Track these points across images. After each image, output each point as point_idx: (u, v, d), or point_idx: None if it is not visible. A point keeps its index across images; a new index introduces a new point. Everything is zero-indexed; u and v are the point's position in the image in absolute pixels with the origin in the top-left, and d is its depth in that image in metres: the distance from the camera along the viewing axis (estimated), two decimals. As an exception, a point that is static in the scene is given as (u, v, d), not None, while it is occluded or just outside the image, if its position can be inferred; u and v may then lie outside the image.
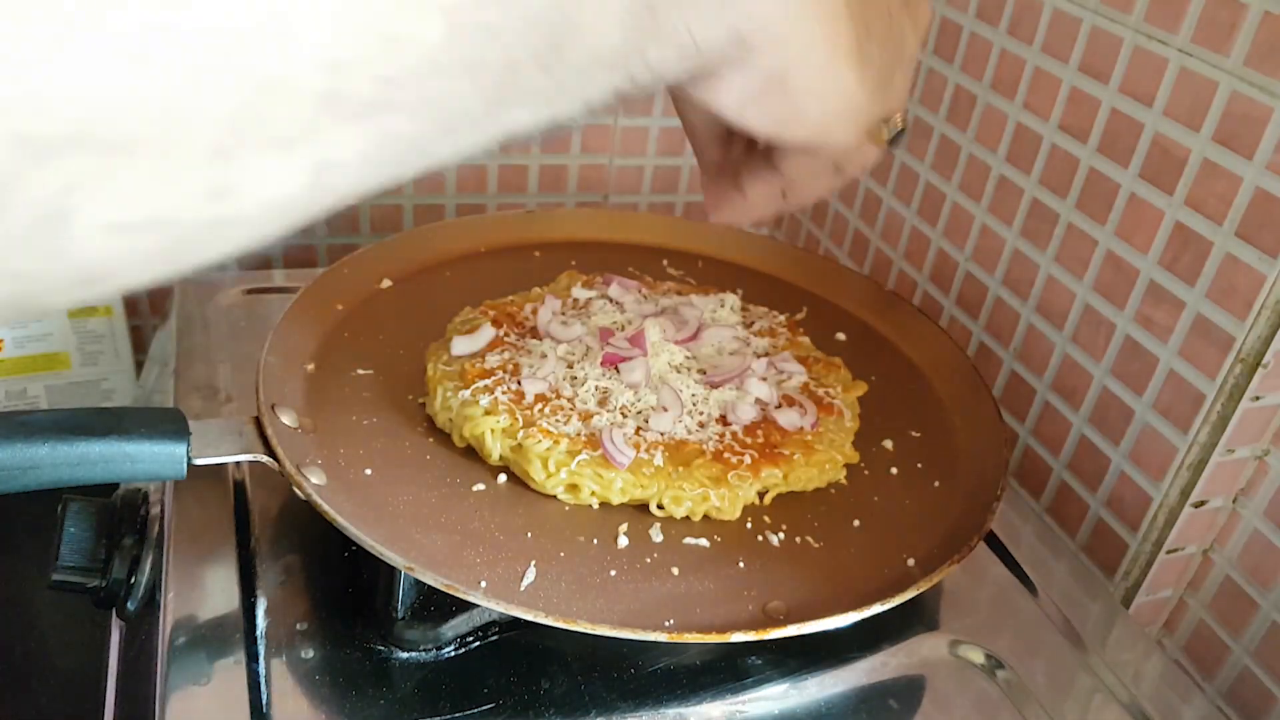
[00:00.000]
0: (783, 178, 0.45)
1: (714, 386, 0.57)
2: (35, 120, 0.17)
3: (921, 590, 0.46)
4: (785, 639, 0.44)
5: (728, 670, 0.48)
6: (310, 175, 0.22)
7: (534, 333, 0.60)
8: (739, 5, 0.31)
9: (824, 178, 0.45)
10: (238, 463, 0.48)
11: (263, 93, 0.19)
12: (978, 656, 0.51)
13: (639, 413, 0.54)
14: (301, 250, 0.85)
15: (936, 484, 0.56)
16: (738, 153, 0.46)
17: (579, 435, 0.52)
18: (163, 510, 0.53)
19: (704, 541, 0.50)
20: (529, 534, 0.49)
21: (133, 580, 0.51)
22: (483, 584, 0.45)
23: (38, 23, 0.16)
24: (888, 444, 0.59)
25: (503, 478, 0.52)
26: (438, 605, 0.47)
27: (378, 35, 0.21)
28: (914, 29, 0.41)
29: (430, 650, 0.47)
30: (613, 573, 0.48)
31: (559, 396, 0.54)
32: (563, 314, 0.61)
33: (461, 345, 0.57)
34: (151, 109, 0.18)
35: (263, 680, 0.45)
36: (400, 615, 0.47)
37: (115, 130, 0.18)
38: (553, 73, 0.26)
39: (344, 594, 0.49)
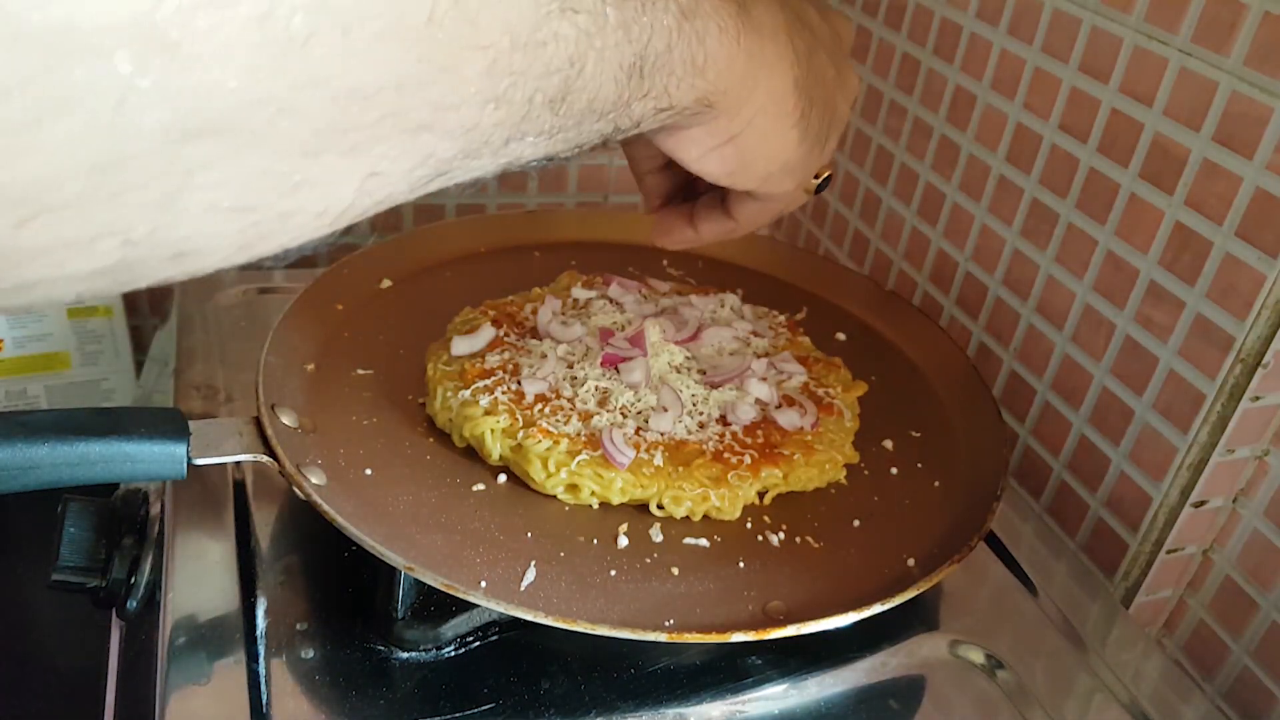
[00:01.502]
0: (734, 221, 0.52)
1: (714, 387, 0.57)
2: (184, 112, 0.20)
3: (921, 590, 0.46)
4: (785, 639, 0.44)
5: (728, 670, 0.48)
6: (360, 181, 0.25)
7: (534, 333, 0.60)
8: (708, 75, 0.37)
9: (765, 218, 0.52)
10: (238, 463, 0.48)
11: (349, 101, 0.23)
12: (978, 656, 0.51)
13: (639, 413, 0.54)
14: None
15: (936, 484, 0.56)
16: (683, 193, 0.54)
17: (579, 435, 0.52)
18: (163, 510, 0.53)
19: (704, 541, 0.50)
20: (529, 534, 0.49)
21: (133, 580, 0.51)
22: (483, 584, 0.45)
23: (206, 24, 0.19)
24: (888, 444, 0.59)
25: (503, 478, 0.52)
26: (438, 605, 0.47)
27: (435, 64, 0.24)
28: (845, 98, 0.48)
29: (430, 650, 0.47)
30: (613, 573, 0.48)
31: (559, 396, 0.54)
32: (563, 314, 0.61)
33: (461, 345, 0.57)
34: (269, 110, 0.21)
35: (263, 680, 0.45)
36: (400, 615, 0.47)
37: (238, 124, 0.21)
38: (558, 115, 0.30)
39: (344, 594, 0.49)
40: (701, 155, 0.42)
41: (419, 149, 0.26)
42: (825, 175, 0.50)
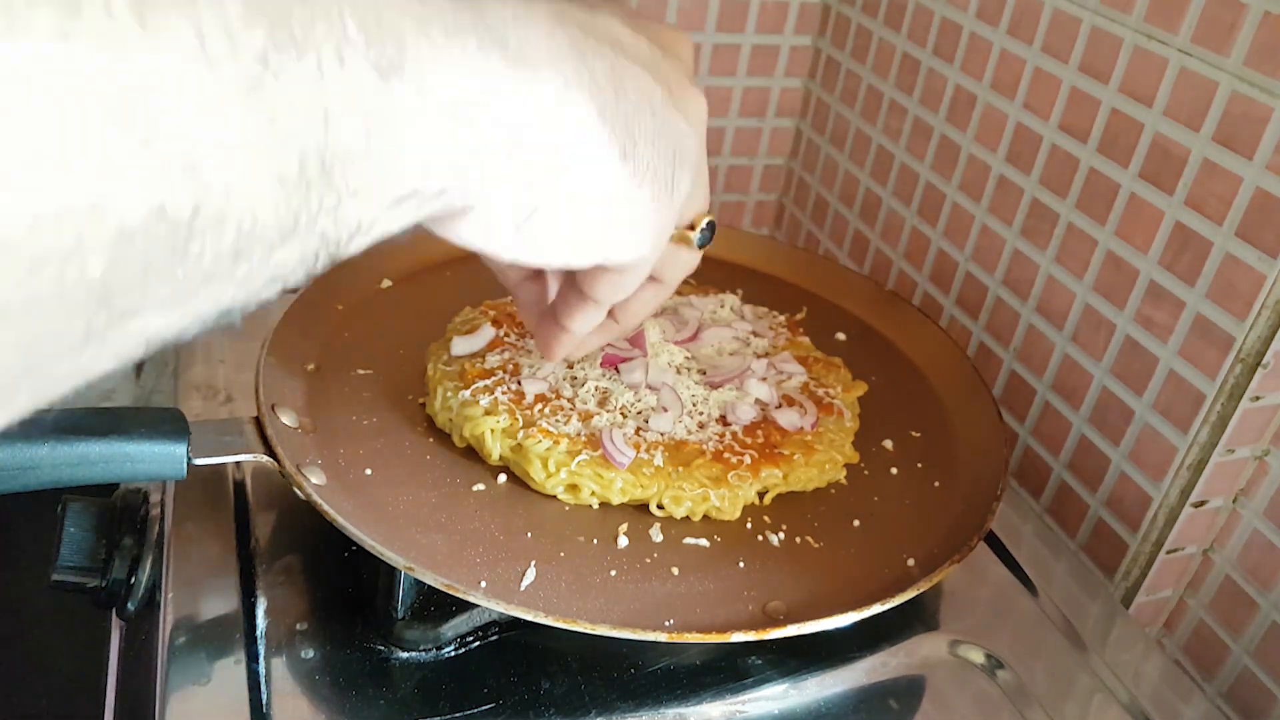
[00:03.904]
0: (599, 304, 0.42)
1: (714, 387, 0.57)
2: None
3: (921, 590, 0.46)
4: (785, 639, 0.44)
5: (728, 670, 0.48)
6: None
7: (534, 333, 0.60)
8: (448, 156, 0.28)
9: (645, 293, 0.42)
10: (238, 463, 0.48)
11: None
12: (978, 656, 0.51)
13: (639, 413, 0.54)
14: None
15: (936, 484, 0.56)
16: (552, 287, 0.45)
17: (579, 435, 0.52)
18: (163, 510, 0.53)
19: (704, 541, 0.50)
20: (529, 534, 0.49)
21: (133, 580, 0.51)
22: (483, 584, 0.45)
23: None
24: (888, 444, 0.59)
25: (503, 478, 0.52)
26: (438, 605, 0.47)
27: None
28: (689, 124, 0.37)
29: (430, 650, 0.47)
30: (613, 573, 0.48)
31: (559, 397, 0.54)
32: (563, 314, 0.61)
33: (461, 345, 0.57)
34: None
35: (263, 680, 0.45)
36: (400, 615, 0.47)
37: None
38: (176, 280, 0.21)
39: (344, 594, 0.49)
40: (509, 244, 0.33)
41: None
42: (705, 221, 0.40)
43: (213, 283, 0.22)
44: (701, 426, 0.55)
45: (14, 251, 0.18)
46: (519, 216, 0.32)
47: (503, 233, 0.32)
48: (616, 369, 0.56)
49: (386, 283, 0.66)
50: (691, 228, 0.40)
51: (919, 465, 0.58)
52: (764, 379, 0.58)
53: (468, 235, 0.32)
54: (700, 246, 0.41)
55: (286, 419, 0.51)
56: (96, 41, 0.18)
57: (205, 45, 0.20)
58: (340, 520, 0.44)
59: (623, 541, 0.50)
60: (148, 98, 0.19)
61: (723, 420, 0.55)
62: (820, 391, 0.59)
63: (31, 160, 0.18)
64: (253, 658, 0.45)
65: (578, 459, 0.51)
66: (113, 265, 0.20)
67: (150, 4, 0.19)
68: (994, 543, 0.57)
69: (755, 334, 0.63)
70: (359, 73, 0.24)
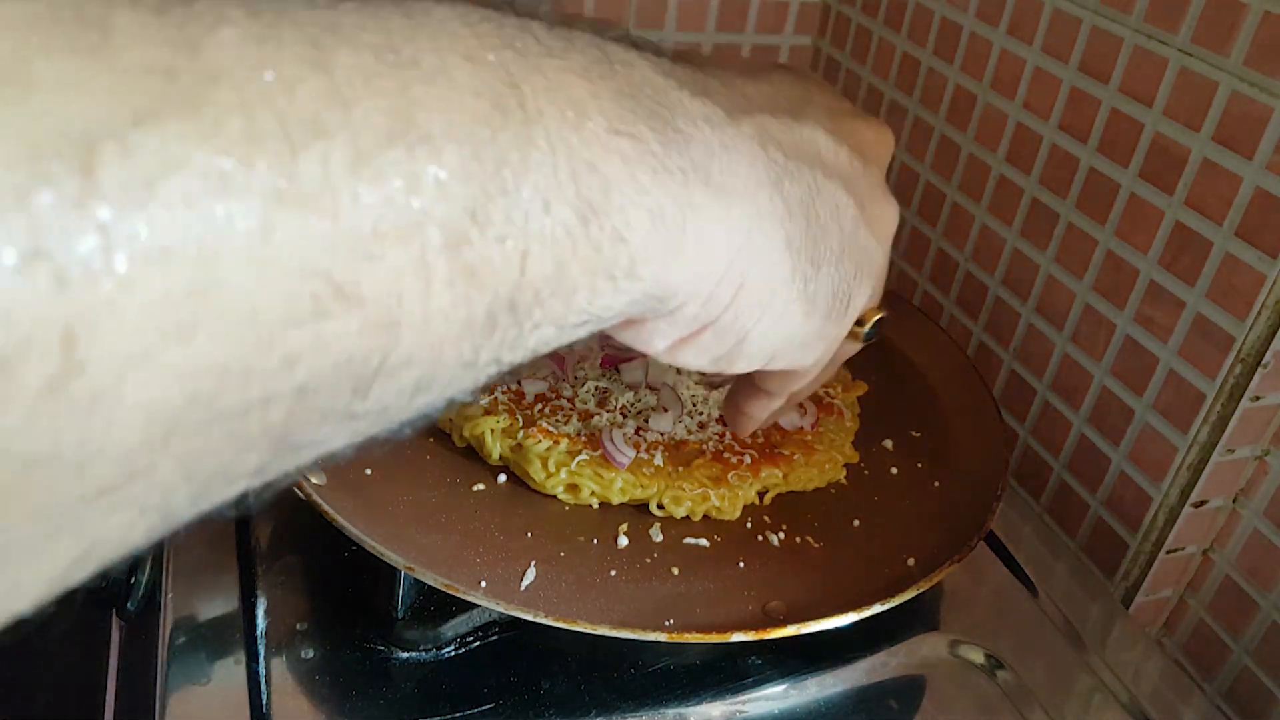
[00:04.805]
0: (771, 395, 0.44)
1: (714, 387, 0.57)
2: None
3: (921, 590, 0.46)
4: (785, 639, 0.44)
5: (728, 670, 0.48)
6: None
7: (534, 333, 0.60)
8: (643, 275, 0.27)
9: (805, 389, 0.44)
10: (238, 463, 0.48)
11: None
12: (978, 656, 0.51)
13: (639, 413, 0.54)
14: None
15: (936, 484, 0.56)
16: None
17: (579, 435, 0.52)
18: (163, 510, 0.53)
19: (704, 541, 0.50)
20: (529, 534, 0.49)
21: (133, 580, 0.51)
22: (483, 584, 0.45)
23: None
24: (888, 444, 0.59)
25: (503, 478, 0.52)
26: (438, 605, 0.47)
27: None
28: (878, 239, 0.37)
29: (430, 650, 0.47)
30: (613, 573, 0.48)
31: (559, 396, 0.54)
32: (563, 314, 0.61)
33: (461, 345, 0.57)
34: None
35: (263, 680, 0.45)
36: (400, 615, 0.47)
37: None
38: (355, 416, 0.21)
39: (344, 594, 0.49)
40: (672, 348, 0.33)
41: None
42: (877, 319, 0.40)
43: (388, 414, 0.23)
44: (702, 426, 0.55)
45: (199, 404, 0.17)
46: (685, 332, 0.32)
47: (665, 342, 0.33)
48: (617, 369, 0.56)
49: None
50: (860, 323, 0.39)
51: (919, 465, 0.58)
52: (764, 379, 0.58)
53: (629, 339, 0.33)
54: (867, 341, 0.41)
55: (286, 419, 0.51)
56: (309, 204, 0.18)
57: (417, 197, 0.20)
58: (340, 520, 0.44)
59: (623, 541, 0.50)
60: (351, 255, 0.19)
61: (723, 420, 0.55)
62: (820, 391, 0.59)
63: (224, 316, 0.17)
64: (253, 658, 0.45)
65: (578, 459, 0.51)
66: (293, 413, 0.19)
67: (366, 156, 0.19)
68: (994, 543, 0.57)
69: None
70: (562, 218, 0.23)
